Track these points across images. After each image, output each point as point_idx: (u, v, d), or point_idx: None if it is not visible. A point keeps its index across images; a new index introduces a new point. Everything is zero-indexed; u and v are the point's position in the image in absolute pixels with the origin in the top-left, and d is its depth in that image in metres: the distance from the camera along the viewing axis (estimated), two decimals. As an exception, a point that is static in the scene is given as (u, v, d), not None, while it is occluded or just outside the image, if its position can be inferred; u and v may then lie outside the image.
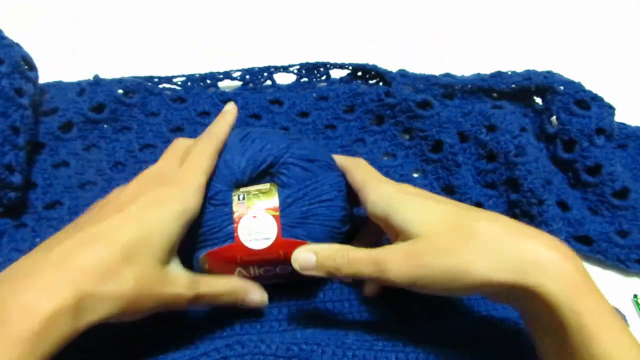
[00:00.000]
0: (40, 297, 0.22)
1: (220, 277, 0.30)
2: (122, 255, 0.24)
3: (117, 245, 0.24)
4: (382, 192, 0.29)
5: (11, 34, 0.37)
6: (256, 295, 0.31)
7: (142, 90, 0.42)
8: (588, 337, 0.22)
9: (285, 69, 0.45)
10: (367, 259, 0.27)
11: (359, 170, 0.32)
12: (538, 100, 0.45)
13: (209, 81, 0.44)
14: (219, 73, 0.45)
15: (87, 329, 0.23)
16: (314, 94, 0.44)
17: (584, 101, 0.41)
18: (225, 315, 0.33)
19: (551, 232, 0.36)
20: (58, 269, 0.23)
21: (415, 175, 0.42)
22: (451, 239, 0.25)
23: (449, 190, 0.41)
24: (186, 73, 0.44)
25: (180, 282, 0.27)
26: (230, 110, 0.34)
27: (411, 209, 0.27)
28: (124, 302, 0.24)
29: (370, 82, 0.46)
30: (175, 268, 0.27)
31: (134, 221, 0.25)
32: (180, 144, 0.32)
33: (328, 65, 0.46)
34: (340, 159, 0.34)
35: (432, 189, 0.41)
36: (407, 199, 0.28)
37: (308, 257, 0.28)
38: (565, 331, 0.22)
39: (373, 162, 0.41)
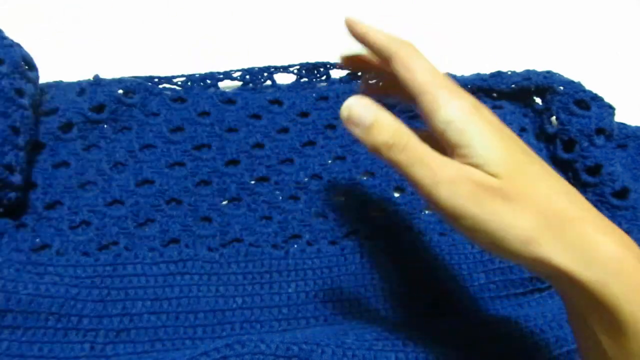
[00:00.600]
0: None
1: None
2: None
3: None
4: (458, 110, 0.23)
5: (11, 34, 0.37)
6: None
7: (142, 90, 0.42)
8: None
9: (285, 69, 0.45)
10: (426, 159, 0.22)
11: (419, 65, 0.25)
12: (538, 100, 0.45)
13: (209, 81, 0.44)
14: (219, 73, 0.45)
15: None
16: (314, 94, 0.44)
17: (583, 101, 0.41)
18: (225, 314, 0.33)
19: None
20: None
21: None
22: (531, 199, 0.21)
23: (449, 190, 0.41)
24: (186, 73, 0.44)
25: None
26: None
27: (496, 146, 0.22)
28: None
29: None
30: None
31: None
32: None
33: (328, 65, 0.46)
34: (378, 35, 0.28)
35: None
36: (492, 131, 0.23)
37: (366, 114, 0.23)
38: (623, 336, 0.20)
39: (373, 163, 0.42)
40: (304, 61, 0.45)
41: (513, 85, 0.44)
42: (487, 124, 0.23)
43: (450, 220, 0.22)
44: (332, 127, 0.43)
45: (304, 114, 0.43)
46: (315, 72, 0.46)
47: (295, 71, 0.46)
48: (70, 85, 0.41)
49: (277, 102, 0.43)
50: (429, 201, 0.22)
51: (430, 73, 0.24)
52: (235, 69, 0.45)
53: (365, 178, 0.41)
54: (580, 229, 0.21)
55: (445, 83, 0.24)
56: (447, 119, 0.23)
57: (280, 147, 0.42)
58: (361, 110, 0.23)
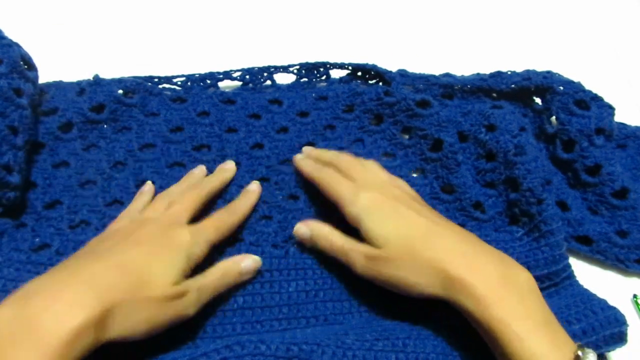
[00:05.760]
0: (70, 310, 0.24)
1: (210, 269, 0.32)
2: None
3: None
4: (362, 206, 0.33)
5: (11, 34, 0.37)
6: (247, 261, 0.34)
7: (142, 90, 0.42)
8: (501, 344, 0.26)
9: (285, 69, 0.45)
10: (341, 250, 0.33)
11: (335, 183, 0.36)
12: (538, 100, 0.45)
13: (209, 81, 0.44)
14: (219, 73, 0.45)
15: (105, 343, 0.25)
16: (314, 94, 0.44)
17: (583, 101, 0.41)
18: (226, 314, 0.33)
19: (550, 231, 0.36)
20: (87, 286, 0.25)
21: (415, 175, 0.42)
22: (402, 258, 0.31)
23: (449, 190, 0.41)
24: (186, 73, 0.44)
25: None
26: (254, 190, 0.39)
27: (377, 223, 0.32)
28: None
29: (370, 82, 0.46)
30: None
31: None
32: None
33: (328, 65, 0.46)
34: (309, 168, 0.38)
35: (432, 189, 0.41)
36: (382, 217, 0.33)
37: (305, 231, 0.36)
38: (486, 337, 0.28)
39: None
40: (304, 61, 0.45)
41: (513, 85, 0.44)
42: (378, 212, 0.33)
43: (372, 281, 0.32)
44: (332, 127, 0.43)
45: (304, 114, 0.43)
46: (315, 72, 0.46)
47: (295, 71, 0.46)
48: (70, 85, 0.41)
49: (277, 102, 0.43)
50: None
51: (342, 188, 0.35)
52: (235, 69, 0.45)
53: (365, 178, 0.41)
54: (439, 266, 0.29)
55: (354, 191, 0.34)
56: (353, 214, 0.33)
57: (280, 147, 0.42)
58: (303, 231, 0.36)
